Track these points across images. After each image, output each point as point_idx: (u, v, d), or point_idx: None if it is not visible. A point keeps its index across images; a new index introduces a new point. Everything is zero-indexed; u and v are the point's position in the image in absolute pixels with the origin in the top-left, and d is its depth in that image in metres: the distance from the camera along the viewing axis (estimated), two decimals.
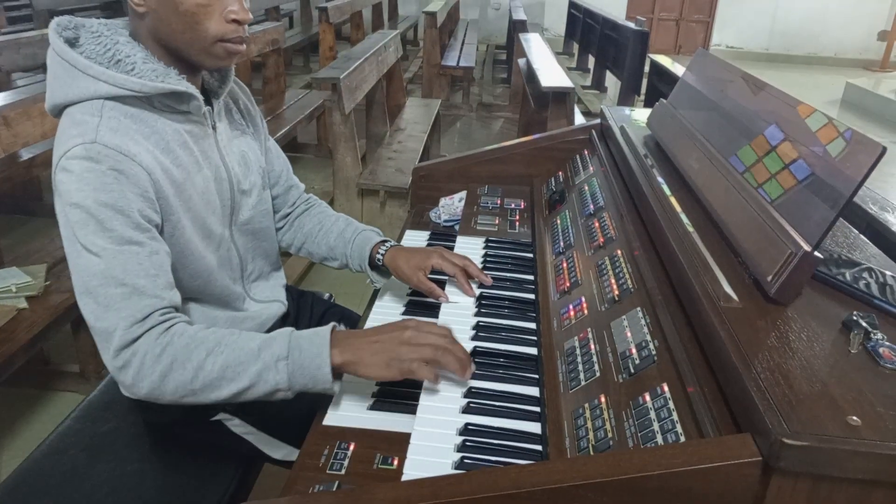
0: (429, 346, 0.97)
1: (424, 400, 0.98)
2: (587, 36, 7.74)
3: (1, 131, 1.97)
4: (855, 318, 0.82)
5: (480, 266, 1.38)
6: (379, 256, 1.29)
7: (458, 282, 1.28)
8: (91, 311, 0.92)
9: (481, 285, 1.30)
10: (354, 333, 1.00)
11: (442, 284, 1.28)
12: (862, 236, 1.13)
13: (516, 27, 6.30)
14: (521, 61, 4.85)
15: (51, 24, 1.00)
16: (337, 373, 0.95)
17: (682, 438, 0.75)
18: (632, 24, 5.69)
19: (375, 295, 1.34)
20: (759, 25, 10.90)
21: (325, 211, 1.41)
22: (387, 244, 1.31)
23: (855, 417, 0.65)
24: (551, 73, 3.51)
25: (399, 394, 1.03)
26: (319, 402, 1.02)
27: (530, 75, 3.86)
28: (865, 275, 0.95)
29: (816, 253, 0.83)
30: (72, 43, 0.99)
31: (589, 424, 0.86)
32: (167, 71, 1.00)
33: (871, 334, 0.79)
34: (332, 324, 0.99)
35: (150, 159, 0.97)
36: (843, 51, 10.78)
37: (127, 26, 1.04)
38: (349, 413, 0.99)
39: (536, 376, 1.04)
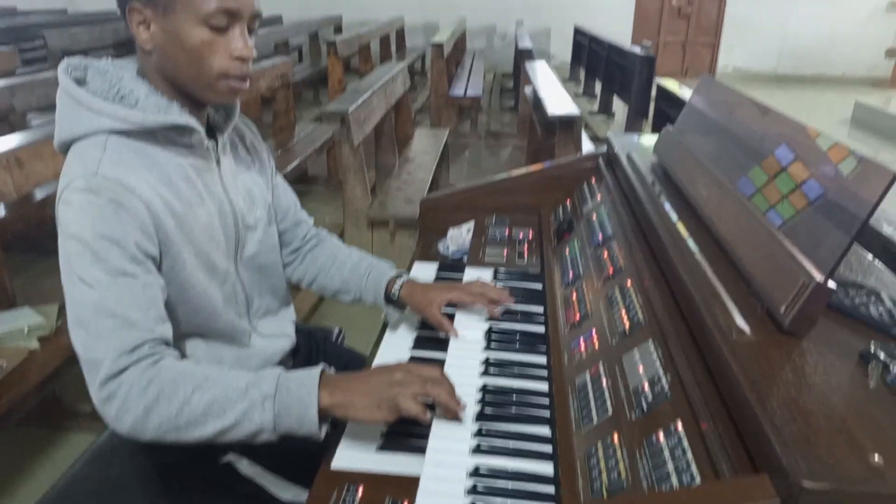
0: (419, 380, 0.96)
1: (434, 441, 0.96)
2: (593, 62, 7.79)
3: (14, 172, 1.99)
4: (872, 349, 0.79)
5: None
6: (395, 291, 1.30)
7: (483, 305, 1.30)
8: (82, 342, 0.91)
9: (490, 318, 1.29)
10: (344, 376, 0.98)
11: (451, 320, 1.27)
12: (877, 261, 1.10)
13: (522, 55, 6.35)
14: (528, 89, 4.88)
15: (60, 64, 1.02)
16: (324, 416, 0.93)
17: (698, 478, 0.72)
18: (637, 50, 5.72)
19: (384, 331, 1.33)
20: (767, 46, 10.91)
21: (338, 244, 1.42)
22: (402, 278, 1.32)
23: (877, 456, 0.63)
24: (558, 100, 3.52)
25: (410, 433, 1.00)
26: (329, 442, 1.00)
27: (537, 103, 3.87)
28: (882, 302, 0.92)
29: (830, 282, 0.80)
30: (80, 82, 1.02)
31: (602, 465, 0.84)
32: (170, 105, 1.01)
33: (891, 366, 0.76)
34: (321, 365, 0.97)
35: (150, 192, 0.97)
36: (853, 69, 10.75)
37: (136, 63, 1.05)
38: (358, 454, 0.97)
39: (548, 414, 1.02)
